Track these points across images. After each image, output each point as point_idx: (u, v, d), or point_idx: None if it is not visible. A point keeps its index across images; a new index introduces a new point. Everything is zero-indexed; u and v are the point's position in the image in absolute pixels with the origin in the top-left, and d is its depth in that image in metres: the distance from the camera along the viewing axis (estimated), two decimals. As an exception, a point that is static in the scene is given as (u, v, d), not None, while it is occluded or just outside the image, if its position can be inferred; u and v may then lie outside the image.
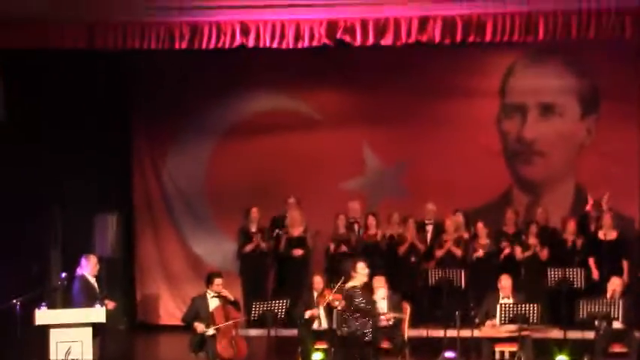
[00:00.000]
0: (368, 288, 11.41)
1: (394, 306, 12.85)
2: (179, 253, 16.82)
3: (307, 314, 12.64)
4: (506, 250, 14.67)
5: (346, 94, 16.63)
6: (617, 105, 16.04)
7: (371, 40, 13.00)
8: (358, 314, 10.75)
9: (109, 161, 16.07)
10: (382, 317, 12.60)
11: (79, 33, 13.11)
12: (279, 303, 12.62)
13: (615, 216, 14.57)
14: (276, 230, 15.26)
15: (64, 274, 12.47)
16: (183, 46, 13.27)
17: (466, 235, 14.96)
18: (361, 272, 10.79)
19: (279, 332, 12.80)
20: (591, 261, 14.18)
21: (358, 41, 13.05)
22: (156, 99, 16.71)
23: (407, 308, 13.00)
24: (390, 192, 16.49)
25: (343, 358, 10.99)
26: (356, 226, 15.27)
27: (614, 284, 12.51)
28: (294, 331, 12.89)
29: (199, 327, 12.18)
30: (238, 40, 13.12)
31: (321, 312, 12.69)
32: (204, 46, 13.30)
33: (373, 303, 11.46)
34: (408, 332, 12.95)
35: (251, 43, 13.22)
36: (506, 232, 14.91)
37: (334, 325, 12.57)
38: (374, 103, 16.36)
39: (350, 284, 10.68)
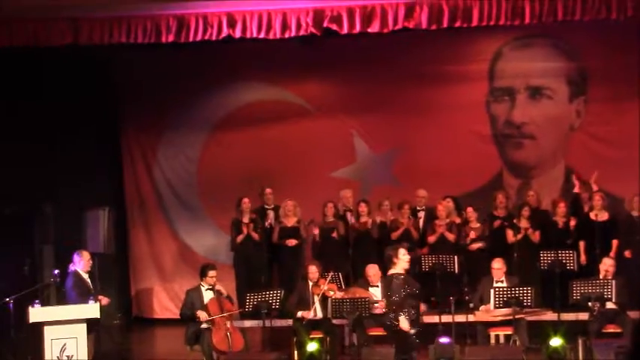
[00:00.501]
0: (409, 274, 11.19)
1: (388, 293, 12.84)
2: (172, 246, 16.82)
3: (299, 315, 12.63)
4: (496, 223, 14.66)
5: (335, 82, 16.61)
6: (606, 86, 16.05)
7: (358, 28, 12.96)
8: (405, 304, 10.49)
9: (100, 156, 16.05)
10: (377, 305, 12.61)
11: (64, 29, 13.06)
12: (273, 294, 12.62)
13: (606, 197, 14.59)
14: (267, 221, 15.26)
15: (56, 271, 12.45)
16: (170, 39, 13.22)
17: (458, 220, 14.96)
18: (403, 258, 10.58)
19: (274, 323, 12.80)
20: (581, 245, 14.20)
21: (345, 29, 13.00)
22: (144, 93, 16.67)
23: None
24: (381, 179, 16.49)
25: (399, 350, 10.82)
26: (348, 215, 15.24)
27: (607, 265, 12.53)
28: (289, 322, 12.88)
29: (202, 315, 12.17)
30: (225, 32, 13.07)
31: (317, 302, 12.67)
32: (191, 38, 13.25)
33: (419, 288, 11.32)
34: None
35: (238, 34, 13.17)
36: (497, 216, 14.91)
37: (329, 315, 12.64)
38: (363, 91, 16.35)
39: (392, 271, 10.49)
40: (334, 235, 14.91)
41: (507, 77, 16.41)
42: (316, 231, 14.96)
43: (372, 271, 12.90)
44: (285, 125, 16.53)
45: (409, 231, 14.93)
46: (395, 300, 10.35)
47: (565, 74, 16.33)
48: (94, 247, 13.99)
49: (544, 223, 14.62)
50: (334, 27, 13.04)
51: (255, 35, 13.06)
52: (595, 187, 14.50)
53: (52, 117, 14.92)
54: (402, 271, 10.43)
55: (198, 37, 13.23)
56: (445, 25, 12.86)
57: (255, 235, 14.98)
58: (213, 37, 13.25)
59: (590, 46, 15.99)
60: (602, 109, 16.12)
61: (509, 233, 14.55)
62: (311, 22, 13.00)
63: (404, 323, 10.15)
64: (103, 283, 13.24)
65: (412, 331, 10.30)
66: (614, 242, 14.13)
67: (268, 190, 15.51)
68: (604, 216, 14.30)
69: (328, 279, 12.89)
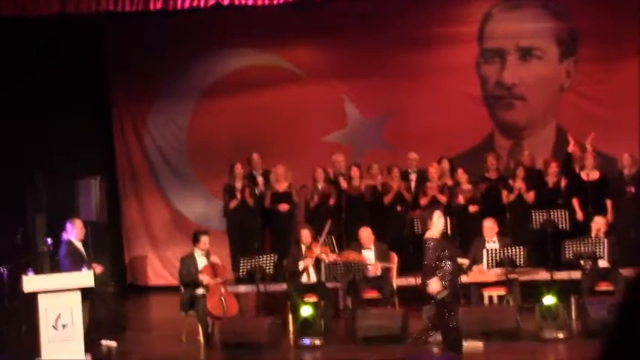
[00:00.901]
0: (446, 237, 11.07)
1: (382, 256, 12.89)
2: (164, 213, 16.84)
3: (301, 265, 12.66)
4: (483, 185, 14.68)
5: (325, 47, 16.56)
6: (596, 46, 16.04)
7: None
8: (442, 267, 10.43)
9: (90, 126, 16.03)
10: (370, 268, 12.66)
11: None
12: (266, 258, 12.67)
13: (597, 156, 14.61)
14: (257, 187, 15.26)
15: (49, 240, 12.45)
16: (159, 6, 13.16)
17: (450, 182, 14.97)
18: (438, 221, 10.56)
19: (268, 287, 12.85)
20: (575, 202, 14.23)
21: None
22: (133, 62, 16.62)
23: (394, 257, 13.06)
24: (373, 144, 16.49)
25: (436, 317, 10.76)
26: (341, 179, 15.23)
27: (598, 224, 12.58)
28: (283, 286, 12.92)
29: (205, 279, 12.20)
30: (213, -1, 13.03)
31: (310, 266, 12.70)
32: (179, 6, 13.20)
33: (456, 250, 11.21)
34: (397, 281, 13.03)
35: (226, 0, 13.12)
36: (489, 177, 14.91)
37: (323, 278, 12.69)
38: (353, 55, 16.30)
39: (428, 234, 10.49)
40: (331, 201, 14.90)
41: (497, 38, 16.37)
42: (315, 199, 14.90)
43: (365, 234, 12.94)
44: (275, 91, 16.49)
45: (401, 194, 14.95)
46: (428, 264, 10.29)
47: (555, 34, 16.31)
48: (86, 215, 13.98)
49: (537, 182, 14.65)
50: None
51: (243, 2, 13.01)
52: (590, 149, 14.51)
53: (43, 87, 14.88)
54: (438, 234, 10.34)
55: (187, 5, 13.17)
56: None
57: (250, 200, 14.99)
58: (202, 5, 13.20)
59: (580, 6, 15.97)
60: (592, 69, 16.12)
61: (503, 194, 14.57)
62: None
63: (434, 285, 10.13)
64: (96, 252, 13.25)
65: (441, 295, 10.22)
66: (608, 202, 14.16)
67: (255, 156, 15.48)
68: (595, 175, 14.31)
69: (322, 240, 12.91)
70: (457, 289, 10.74)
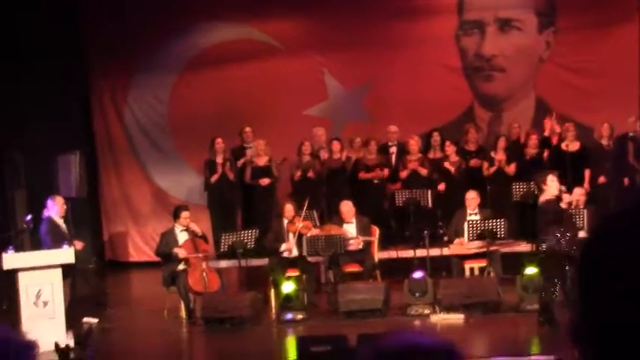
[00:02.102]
0: (558, 201, 11.02)
1: (363, 229, 12.90)
2: (144, 188, 16.77)
3: (283, 248, 12.64)
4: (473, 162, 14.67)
5: (303, 20, 16.49)
6: (574, 17, 16.03)
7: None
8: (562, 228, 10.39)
9: (68, 99, 15.89)
10: (351, 241, 12.67)
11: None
12: (248, 233, 12.64)
13: (576, 127, 14.63)
14: (242, 160, 15.20)
15: (29, 217, 12.39)
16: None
17: (439, 155, 14.83)
18: (552, 185, 10.51)
19: (250, 262, 12.84)
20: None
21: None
22: (111, 35, 16.48)
23: (375, 231, 13.07)
24: (354, 116, 16.47)
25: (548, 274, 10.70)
26: (322, 152, 15.20)
27: (577, 194, 12.61)
28: (264, 261, 12.91)
29: (180, 252, 12.18)
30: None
31: (292, 240, 12.69)
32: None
33: (566, 212, 11.14)
34: (378, 255, 13.05)
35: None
36: (468, 149, 14.90)
37: (304, 252, 12.69)
38: (332, 27, 16.22)
39: (543, 197, 10.48)
40: (310, 174, 14.84)
41: (476, 10, 16.34)
42: (299, 173, 14.83)
43: (346, 207, 12.94)
44: (254, 64, 16.40)
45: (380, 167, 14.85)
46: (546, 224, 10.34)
47: (533, 5, 16.30)
48: (66, 191, 13.89)
49: (518, 155, 14.64)
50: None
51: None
52: (557, 129, 14.49)
53: (18, 63, 14.75)
54: (553, 197, 10.40)
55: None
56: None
57: (231, 175, 14.94)
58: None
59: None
60: (571, 40, 16.10)
61: (484, 165, 14.54)
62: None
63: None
64: (76, 228, 13.19)
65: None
66: (586, 172, 14.20)
67: (248, 129, 15.41)
68: (575, 146, 14.33)
69: (303, 215, 12.90)
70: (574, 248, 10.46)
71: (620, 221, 1.79)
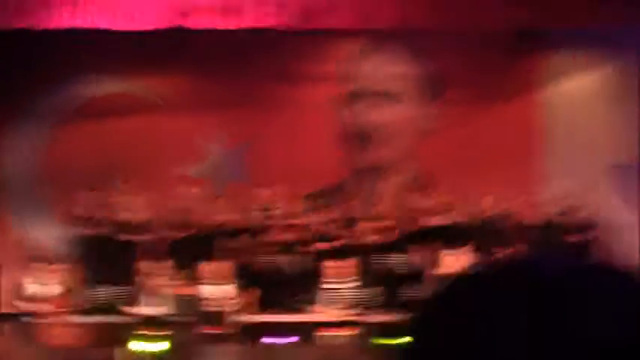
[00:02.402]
0: None
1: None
2: (15, 240, 16.36)
3: (142, 301, 12.47)
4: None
5: (187, 77, 16.38)
6: (461, 91, 16.13)
7: (212, 24, 12.83)
8: None
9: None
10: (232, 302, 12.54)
11: None
12: (113, 289, 12.44)
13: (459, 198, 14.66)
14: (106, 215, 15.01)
15: None
16: (22, 25, 12.85)
17: (306, 222, 14.83)
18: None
19: (109, 319, 12.63)
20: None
21: (198, 24, 12.87)
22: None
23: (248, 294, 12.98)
24: (233, 177, 16.38)
25: None
26: (198, 212, 15.07)
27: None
28: (122, 318, 12.67)
29: (33, 307, 11.90)
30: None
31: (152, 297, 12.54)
32: (44, 26, 12.91)
33: None
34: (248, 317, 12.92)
35: (87, 24, 12.93)
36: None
37: (168, 311, 12.51)
38: (215, 87, 16.17)
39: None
40: (183, 233, 14.69)
41: (359, 79, 16.41)
42: (170, 232, 14.66)
43: (211, 267, 12.83)
44: (134, 120, 16.22)
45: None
46: None
47: (419, 78, 16.39)
48: None
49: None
50: (186, 22, 12.90)
51: (99, 26, 12.83)
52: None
53: None
54: None
55: (51, 25, 12.89)
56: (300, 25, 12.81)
57: (102, 230, 14.72)
58: (65, 25, 12.95)
59: (446, 50, 16.06)
60: (457, 113, 16.14)
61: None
62: (161, 16, 12.83)
63: None
64: None
65: None
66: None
67: (120, 184, 15.23)
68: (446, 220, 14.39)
69: (167, 273, 12.77)
70: None
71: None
